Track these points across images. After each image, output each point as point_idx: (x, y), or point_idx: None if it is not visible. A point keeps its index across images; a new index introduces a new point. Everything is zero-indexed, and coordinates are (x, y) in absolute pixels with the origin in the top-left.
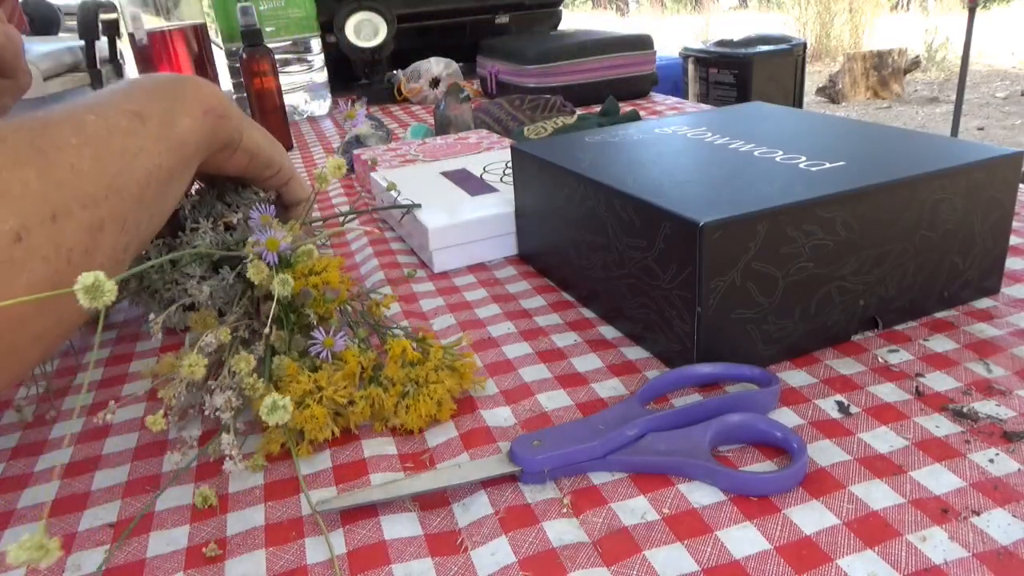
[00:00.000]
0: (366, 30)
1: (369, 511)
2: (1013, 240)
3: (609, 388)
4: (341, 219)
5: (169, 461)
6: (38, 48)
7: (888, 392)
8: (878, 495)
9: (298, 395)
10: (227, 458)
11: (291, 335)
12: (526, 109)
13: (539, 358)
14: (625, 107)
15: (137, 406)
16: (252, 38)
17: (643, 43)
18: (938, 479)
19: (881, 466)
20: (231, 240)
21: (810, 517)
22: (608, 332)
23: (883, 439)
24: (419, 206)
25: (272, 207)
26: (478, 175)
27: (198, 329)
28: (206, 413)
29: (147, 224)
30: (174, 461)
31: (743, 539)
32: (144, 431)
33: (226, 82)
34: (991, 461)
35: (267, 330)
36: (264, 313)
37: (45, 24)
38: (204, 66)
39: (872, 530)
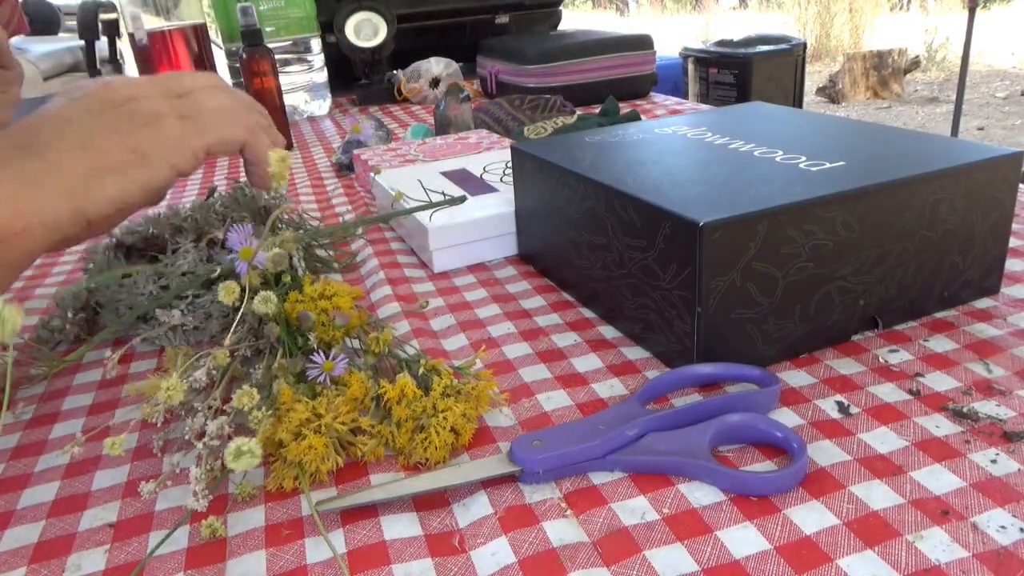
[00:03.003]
0: (366, 30)
1: (369, 511)
2: (1013, 241)
3: (609, 388)
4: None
5: (168, 463)
6: (38, 48)
7: (888, 392)
8: (878, 495)
9: (294, 425)
10: (192, 495)
11: (288, 357)
12: (526, 109)
13: (539, 358)
14: (625, 107)
15: (137, 407)
16: (252, 38)
17: (643, 43)
18: (938, 479)
19: (881, 466)
20: (224, 257)
21: (810, 517)
22: (608, 332)
23: (883, 439)
24: (464, 198)
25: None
26: (478, 175)
27: (171, 363)
28: (186, 437)
29: None
30: (173, 462)
31: (743, 539)
32: (144, 431)
33: (226, 82)
34: (991, 461)
35: (272, 360)
36: (265, 335)
37: (45, 24)
38: (204, 66)
39: (872, 530)
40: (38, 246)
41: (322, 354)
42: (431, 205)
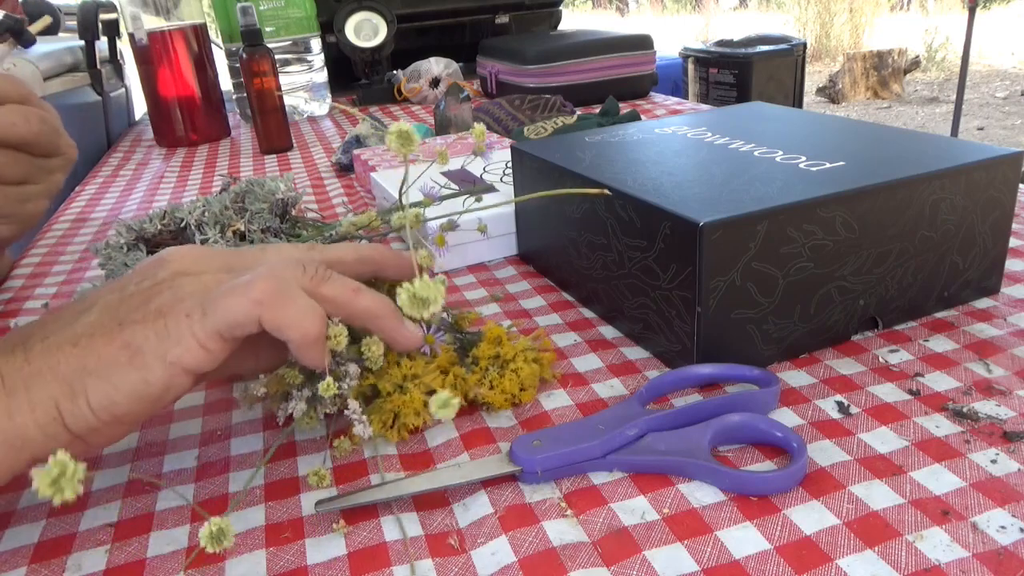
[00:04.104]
0: (366, 30)
1: (369, 511)
2: (1013, 241)
3: (609, 388)
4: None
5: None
6: (38, 48)
7: (888, 392)
8: (878, 495)
9: (399, 379)
10: (356, 423)
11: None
12: (526, 109)
13: None
14: (625, 107)
15: None
16: (252, 38)
17: (643, 43)
18: (938, 479)
19: (881, 466)
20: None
21: (810, 517)
22: (608, 332)
23: (883, 439)
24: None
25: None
26: (478, 175)
27: (275, 389)
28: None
29: None
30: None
31: (743, 539)
32: (143, 431)
33: (226, 82)
34: (992, 461)
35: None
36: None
37: (36, 19)
38: (204, 66)
39: (872, 530)
40: (4, 468)
41: (423, 326)
42: (459, 193)
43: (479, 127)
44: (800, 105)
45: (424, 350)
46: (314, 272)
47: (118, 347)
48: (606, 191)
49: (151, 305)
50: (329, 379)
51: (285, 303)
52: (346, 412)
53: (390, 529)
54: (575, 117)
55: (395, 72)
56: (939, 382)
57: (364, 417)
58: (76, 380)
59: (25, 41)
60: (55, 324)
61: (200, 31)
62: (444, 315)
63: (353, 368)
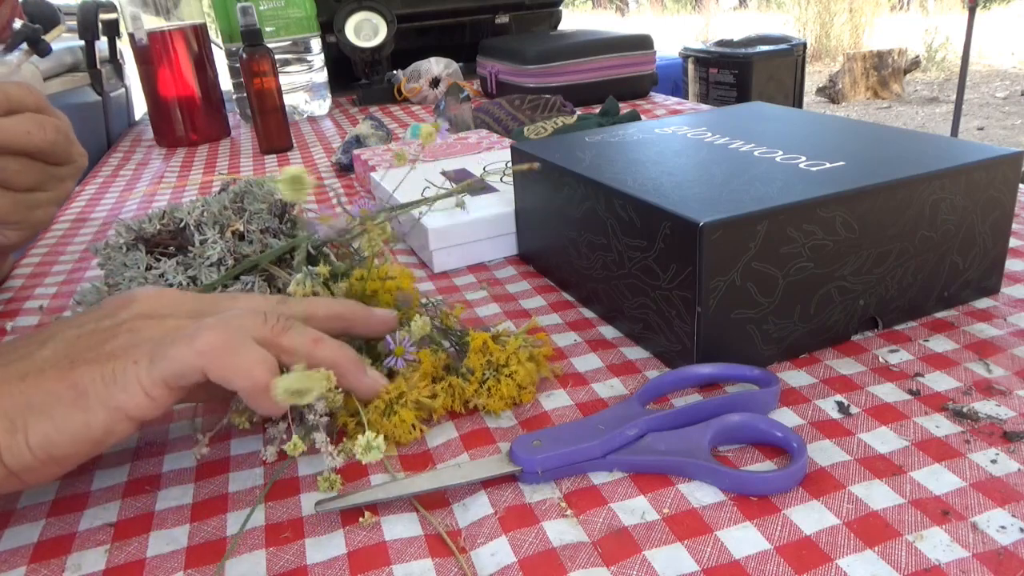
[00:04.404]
0: (366, 30)
1: (369, 511)
2: (1013, 241)
3: (609, 388)
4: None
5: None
6: None
7: (888, 392)
8: (878, 495)
9: (382, 407)
10: (327, 457)
11: (366, 343)
12: (526, 109)
13: None
14: (625, 107)
15: None
16: (252, 38)
17: (643, 43)
18: (938, 479)
19: (881, 466)
20: (248, 249)
21: (810, 517)
22: (608, 332)
23: (883, 439)
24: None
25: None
26: (478, 175)
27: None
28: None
29: None
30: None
31: (743, 539)
32: (143, 431)
33: (226, 82)
34: (992, 461)
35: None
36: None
37: (45, 24)
38: (204, 66)
39: (872, 530)
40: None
41: (391, 339)
42: (449, 193)
43: (426, 127)
44: (800, 105)
45: (397, 364)
46: (275, 322)
47: (66, 386)
48: (536, 164)
49: (105, 347)
50: (296, 438)
51: (231, 354)
52: (316, 445)
53: (390, 529)
54: (575, 117)
55: (395, 72)
56: (939, 382)
57: (332, 450)
58: (18, 416)
59: (41, 51)
60: (9, 356)
61: (200, 31)
62: (427, 308)
63: (320, 405)
